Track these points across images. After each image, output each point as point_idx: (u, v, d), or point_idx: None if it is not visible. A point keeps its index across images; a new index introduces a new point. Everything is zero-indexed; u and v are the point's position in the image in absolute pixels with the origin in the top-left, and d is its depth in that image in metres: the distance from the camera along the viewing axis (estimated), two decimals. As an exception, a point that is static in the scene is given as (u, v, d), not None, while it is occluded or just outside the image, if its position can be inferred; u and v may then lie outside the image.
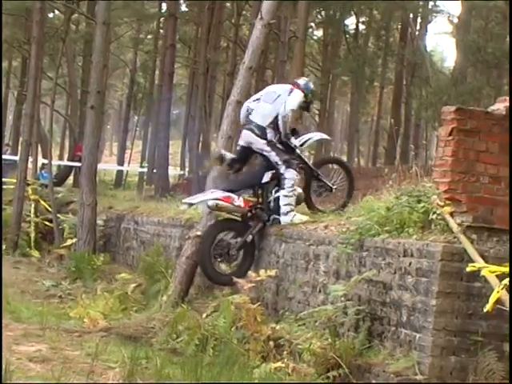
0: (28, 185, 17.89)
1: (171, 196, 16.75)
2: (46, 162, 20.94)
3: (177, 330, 8.59)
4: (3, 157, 25.09)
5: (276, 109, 9.42)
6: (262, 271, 8.50)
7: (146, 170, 28.49)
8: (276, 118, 9.39)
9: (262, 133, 9.44)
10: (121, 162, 34.24)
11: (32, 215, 17.54)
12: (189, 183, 22.28)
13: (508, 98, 6.83)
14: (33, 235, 17.06)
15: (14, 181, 18.25)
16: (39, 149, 21.40)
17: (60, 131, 42.55)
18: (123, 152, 35.79)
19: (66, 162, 27.80)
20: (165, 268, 11.47)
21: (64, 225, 17.21)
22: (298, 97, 9.51)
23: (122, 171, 33.00)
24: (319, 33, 39.12)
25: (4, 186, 21.09)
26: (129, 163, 34.72)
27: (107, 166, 34.62)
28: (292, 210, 9.18)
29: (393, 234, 6.89)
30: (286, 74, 27.83)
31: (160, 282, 11.33)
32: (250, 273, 8.55)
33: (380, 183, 10.31)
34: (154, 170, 23.58)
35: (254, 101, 9.92)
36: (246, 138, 9.64)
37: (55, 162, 24.01)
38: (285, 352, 7.17)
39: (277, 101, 9.49)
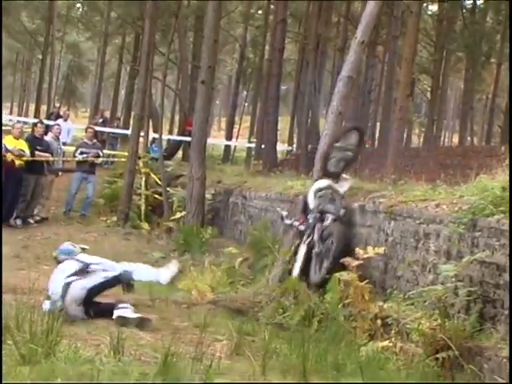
0: (139, 158, 18.23)
1: (279, 171, 16.74)
2: (156, 136, 21.28)
3: (283, 304, 8.62)
4: (114, 130, 25.75)
5: None
6: (369, 248, 8.39)
7: (253, 145, 28.56)
8: None
9: None
10: (229, 137, 34.47)
11: (142, 188, 17.88)
12: (297, 159, 22.24)
13: None
14: (143, 208, 17.39)
15: (126, 154, 18.63)
16: (150, 123, 21.81)
17: (170, 106, 43.22)
18: (231, 127, 36.02)
19: (175, 137, 28.19)
20: (272, 243, 11.49)
21: (173, 198, 17.50)
22: None
23: (229, 146, 33.24)
24: (434, 7, 38.14)
25: (115, 159, 21.62)
26: (237, 138, 34.95)
27: (216, 140, 34.92)
28: None
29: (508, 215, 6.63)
30: (399, 49, 27.36)
31: (267, 257, 11.37)
32: (358, 250, 8.44)
33: (494, 162, 9.96)
34: (263, 146, 23.60)
35: None
36: None
37: (165, 136, 24.33)
38: (392, 331, 7.06)
39: None
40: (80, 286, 7.39)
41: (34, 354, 4.86)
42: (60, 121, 21.86)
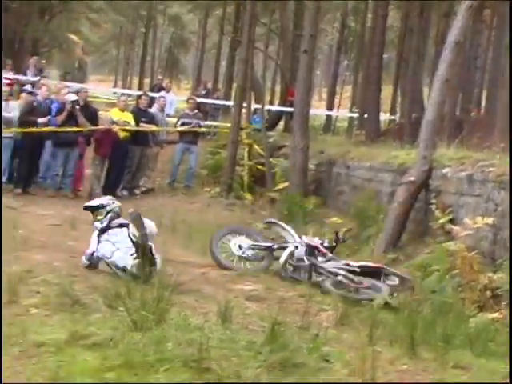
0: (242, 129, 18.31)
1: (382, 141, 16.49)
2: (258, 106, 21.31)
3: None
4: (216, 102, 25.93)
5: None
6: (478, 218, 8.19)
7: (355, 115, 28.25)
8: None
9: None
10: (330, 107, 34.16)
11: (245, 159, 17.97)
12: (400, 128, 21.84)
13: None
14: (246, 178, 17.49)
15: (229, 125, 18.75)
16: (252, 94, 21.82)
17: (271, 77, 43.20)
18: (332, 97, 35.68)
19: (276, 107, 28.17)
20: (376, 213, 11.39)
21: (276, 169, 17.53)
22: None
23: (331, 116, 32.97)
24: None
25: (217, 130, 21.80)
26: (338, 108, 34.60)
27: (316, 111, 34.64)
28: None
29: None
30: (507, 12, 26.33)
31: (371, 227, 11.28)
32: (466, 220, 8.24)
33: None
34: (365, 115, 23.30)
35: None
36: None
37: (266, 106, 24.33)
38: (503, 303, 6.90)
39: None
40: None
41: (145, 321, 4.96)
42: (162, 93, 22.18)
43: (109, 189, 15.00)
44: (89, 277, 6.42)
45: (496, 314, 6.77)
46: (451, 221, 9.46)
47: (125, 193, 15.46)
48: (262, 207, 16.01)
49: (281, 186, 16.33)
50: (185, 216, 13.44)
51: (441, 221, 9.61)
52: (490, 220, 8.12)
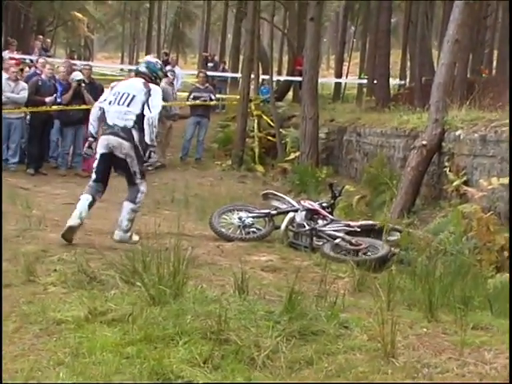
0: (250, 101, 18.23)
1: (393, 106, 16.39)
2: (266, 77, 21.22)
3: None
4: (223, 74, 25.82)
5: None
6: (493, 179, 8.13)
7: (365, 81, 28.07)
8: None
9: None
10: (339, 75, 33.96)
11: (255, 131, 17.93)
12: (410, 92, 21.69)
13: None
14: (257, 150, 17.46)
15: (237, 97, 18.67)
16: (260, 65, 21.71)
17: (278, 47, 42.92)
18: (341, 65, 35.43)
19: (285, 77, 28.03)
20: (389, 179, 11.33)
21: (286, 139, 17.49)
22: (159, 93, 7.97)
23: (340, 84, 32.77)
24: None
25: (224, 103, 21.72)
26: (347, 76, 34.34)
27: (325, 79, 34.45)
28: None
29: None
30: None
31: (385, 194, 11.24)
32: (481, 181, 8.18)
33: None
34: (375, 81, 23.14)
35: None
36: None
37: (275, 77, 24.22)
38: (521, 263, 6.85)
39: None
40: None
41: (162, 295, 4.96)
42: (168, 67, 22.05)
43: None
44: (105, 254, 6.41)
45: (514, 274, 6.74)
46: (465, 183, 9.40)
47: (135, 169, 15.41)
48: (273, 178, 16.00)
49: (292, 156, 16.30)
50: (197, 190, 13.45)
51: (455, 183, 9.56)
52: (505, 180, 8.05)
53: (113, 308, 4.89)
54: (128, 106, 7.74)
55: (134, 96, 7.77)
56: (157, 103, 7.80)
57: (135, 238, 7.82)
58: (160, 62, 8.64)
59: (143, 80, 7.95)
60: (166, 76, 7.97)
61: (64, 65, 15.39)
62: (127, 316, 4.70)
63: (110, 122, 7.75)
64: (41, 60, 15.74)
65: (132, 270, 5.54)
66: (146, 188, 8.00)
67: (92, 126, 8.01)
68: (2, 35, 22.80)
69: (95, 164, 7.92)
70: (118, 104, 7.78)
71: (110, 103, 7.84)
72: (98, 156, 7.85)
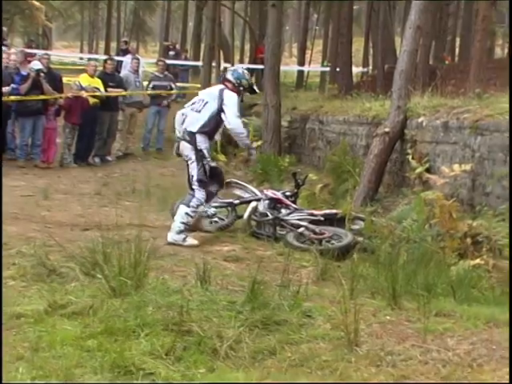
0: (212, 89, 18.09)
1: (356, 94, 16.40)
2: (228, 65, 21.11)
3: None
4: (184, 63, 25.65)
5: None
6: (455, 166, 8.16)
7: (327, 69, 28.07)
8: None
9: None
10: (301, 63, 33.92)
11: (217, 119, 17.78)
12: (373, 80, 21.72)
13: None
14: (218, 139, 17.33)
15: (198, 86, 18.53)
16: (221, 53, 21.62)
17: (239, 35, 42.77)
18: (303, 52, 35.37)
19: (247, 65, 27.96)
20: (352, 167, 11.33)
21: (249, 128, 17.38)
22: (232, 100, 8.09)
23: (302, 72, 32.73)
24: None
25: (186, 91, 21.57)
26: (309, 63, 34.30)
27: (287, 67, 34.38)
28: None
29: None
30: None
31: (348, 182, 11.24)
32: (443, 168, 8.21)
33: None
34: (337, 69, 23.13)
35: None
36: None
37: (236, 65, 24.13)
38: (483, 249, 6.90)
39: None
40: None
41: (123, 287, 4.90)
42: (128, 56, 21.81)
43: (80, 157, 14.80)
44: (65, 246, 6.30)
45: (477, 261, 6.76)
46: (428, 170, 9.43)
47: (97, 160, 15.23)
48: (236, 167, 15.89)
49: (254, 144, 16.20)
50: (159, 180, 13.32)
51: (417, 171, 9.58)
52: (467, 166, 8.09)
53: (73, 301, 4.83)
54: (199, 112, 8.05)
55: (206, 102, 8.06)
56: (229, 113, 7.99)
57: (192, 241, 7.85)
58: (247, 72, 8.69)
59: (223, 87, 8.14)
60: (251, 85, 8.13)
61: (18, 54, 15.02)
62: (88, 309, 4.64)
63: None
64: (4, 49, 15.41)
65: (92, 262, 5.46)
66: (202, 196, 8.05)
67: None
68: None
69: None
70: (192, 110, 8.15)
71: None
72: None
